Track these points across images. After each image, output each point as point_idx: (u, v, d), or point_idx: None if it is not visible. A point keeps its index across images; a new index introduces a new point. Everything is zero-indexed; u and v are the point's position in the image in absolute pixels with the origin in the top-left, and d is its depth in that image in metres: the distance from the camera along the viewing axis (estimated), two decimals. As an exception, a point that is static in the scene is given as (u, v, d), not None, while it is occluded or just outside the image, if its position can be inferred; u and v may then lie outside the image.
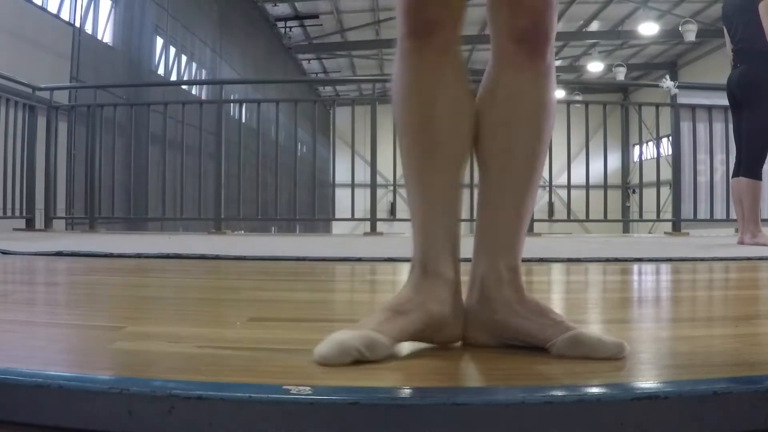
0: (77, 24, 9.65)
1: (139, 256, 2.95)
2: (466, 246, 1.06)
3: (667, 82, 5.79)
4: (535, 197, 1.06)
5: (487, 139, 1.04)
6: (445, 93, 1.02)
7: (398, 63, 1.03)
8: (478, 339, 1.00)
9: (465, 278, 1.05)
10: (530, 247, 3.63)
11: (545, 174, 6.67)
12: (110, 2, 10.75)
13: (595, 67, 19.08)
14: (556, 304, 1.73)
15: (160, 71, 12.50)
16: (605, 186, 5.98)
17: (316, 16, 17.65)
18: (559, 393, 0.72)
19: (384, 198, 15.00)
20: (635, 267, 2.77)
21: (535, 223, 5.60)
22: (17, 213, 5.44)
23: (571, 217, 6.52)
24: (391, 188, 6.45)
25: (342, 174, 6.31)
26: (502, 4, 1.00)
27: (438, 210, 1.03)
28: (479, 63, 21.29)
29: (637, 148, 20.33)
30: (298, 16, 17.78)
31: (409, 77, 1.02)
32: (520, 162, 1.02)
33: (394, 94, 1.04)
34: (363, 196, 6.13)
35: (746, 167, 3.86)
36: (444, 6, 0.99)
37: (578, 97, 16.77)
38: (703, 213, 5.72)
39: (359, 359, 0.89)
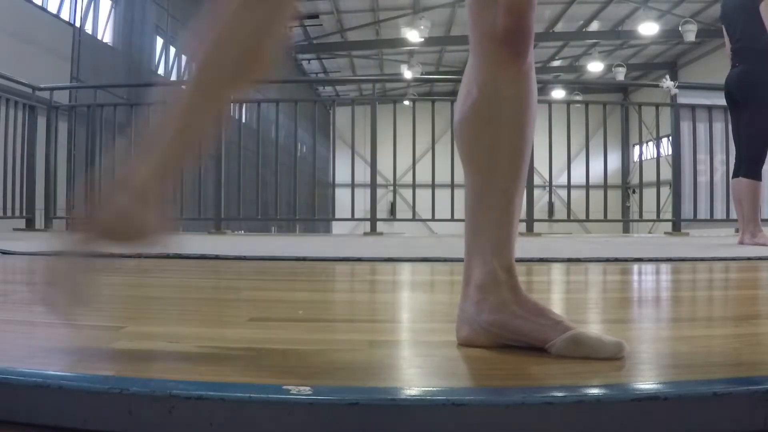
0: (77, 24, 9.65)
1: (139, 256, 2.95)
2: (460, 246, 1.06)
3: (667, 82, 5.79)
4: (522, 195, 1.06)
5: (471, 139, 1.04)
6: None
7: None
8: (477, 341, 1.00)
9: (459, 278, 1.05)
10: (530, 247, 3.63)
11: (545, 174, 6.68)
12: (110, 2, 10.75)
13: (595, 67, 19.08)
14: (556, 304, 1.73)
15: (160, 71, 12.51)
16: (605, 186, 5.99)
17: (316, 16, 17.65)
18: (559, 393, 0.72)
19: (384, 198, 15.00)
20: (635, 267, 2.77)
21: (535, 223, 5.60)
22: (17, 213, 5.44)
23: (571, 217, 6.52)
24: (391, 188, 6.44)
25: (342, 174, 6.30)
26: (483, 5, 1.00)
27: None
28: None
29: (637, 148, 20.34)
30: (298, 16, 17.77)
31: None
32: (506, 161, 1.02)
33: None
34: (363, 196, 6.12)
35: (746, 167, 3.86)
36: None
37: (578, 97, 16.78)
38: (703, 213, 5.73)
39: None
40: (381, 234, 5.65)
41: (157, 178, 0.95)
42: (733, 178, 4.03)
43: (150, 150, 0.96)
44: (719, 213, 5.68)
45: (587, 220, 6.02)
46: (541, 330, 0.94)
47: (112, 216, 0.95)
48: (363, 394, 0.72)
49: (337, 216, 7.42)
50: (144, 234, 0.97)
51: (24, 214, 5.54)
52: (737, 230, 4.27)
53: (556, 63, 20.51)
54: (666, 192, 6.15)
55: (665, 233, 5.83)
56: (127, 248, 0.98)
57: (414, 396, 0.74)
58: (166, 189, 0.98)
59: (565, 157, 5.54)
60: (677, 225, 5.75)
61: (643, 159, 8.05)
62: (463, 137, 1.05)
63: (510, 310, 0.97)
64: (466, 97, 1.04)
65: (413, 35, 16.45)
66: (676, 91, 5.72)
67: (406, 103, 8.25)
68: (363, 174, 6.31)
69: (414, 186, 5.88)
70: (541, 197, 13.69)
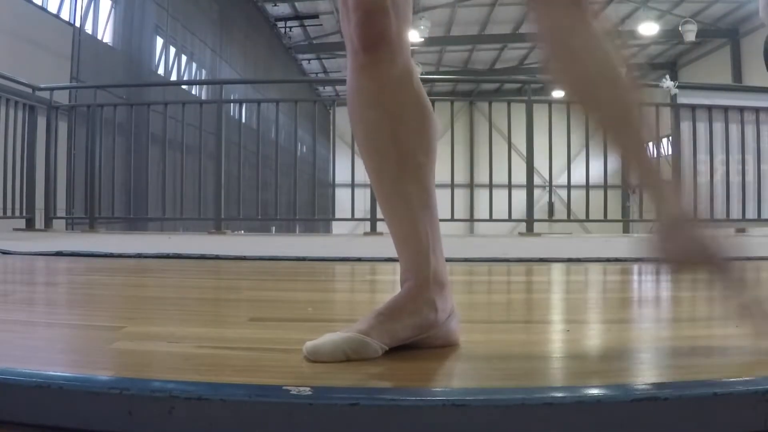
0: (77, 24, 9.65)
1: (139, 256, 2.95)
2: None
3: (667, 82, 5.79)
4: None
5: (591, 90, 1.03)
6: (408, 104, 1.04)
7: (355, 79, 1.04)
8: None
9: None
10: (530, 247, 3.62)
11: (545, 174, 6.62)
12: (110, 2, 10.75)
13: (595, 67, 19.04)
14: (557, 304, 1.73)
15: (160, 71, 12.51)
16: (605, 186, 5.98)
17: (316, 16, 17.65)
18: (559, 394, 0.72)
19: (384, 198, 14.97)
20: (635, 267, 2.77)
21: (535, 223, 5.60)
22: (17, 213, 5.44)
23: (571, 217, 6.52)
24: (391, 188, 6.39)
25: (342, 174, 6.29)
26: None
27: (424, 219, 1.05)
28: (480, 63, 21.26)
29: (637, 148, 20.31)
30: (298, 16, 17.77)
31: (371, 91, 1.03)
32: (624, 89, 1.02)
33: (355, 111, 1.05)
34: (363, 196, 6.12)
35: None
36: (394, 16, 1.00)
37: (578, 97, 16.73)
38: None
39: (347, 360, 0.91)
40: (381, 234, 5.64)
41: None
42: None
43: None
44: (720, 213, 5.68)
45: (587, 220, 6.01)
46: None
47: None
48: (363, 395, 0.72)
49: (337, 216, 7.41)
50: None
51: (24, 214, 5.54)
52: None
53: (556, 63, 20.45)
54: (666, 192, 6.14)
55: (665, 233, 5.82)
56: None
57: (414, 396, 0.74)
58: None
59: (565, 157, 5.54)
60: (677, 225, 5.74)
61: (643, 159, 8.03)
62: (582, 94, 1.04)
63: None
64: (559, 56, 1.02)
65: (413, 35, 16.44)
66: (676, 91, 5.72)
67: (406, 103, 8.22)
68: (363, 174, 6.26)
69: (414, 186, 5.86)
70: (541, 197, 13.71)
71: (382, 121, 1.03)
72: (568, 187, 5.68)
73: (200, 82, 14.38)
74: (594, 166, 5.68)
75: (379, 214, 6.36)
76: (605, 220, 6.18)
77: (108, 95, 7.61)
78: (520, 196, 5.58)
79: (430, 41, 17.24)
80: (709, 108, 5.67)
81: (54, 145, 5.71)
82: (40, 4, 8.85)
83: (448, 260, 1.09)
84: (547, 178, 6.21)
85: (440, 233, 1.07)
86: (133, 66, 10.95)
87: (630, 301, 1.83)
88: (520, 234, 5.40)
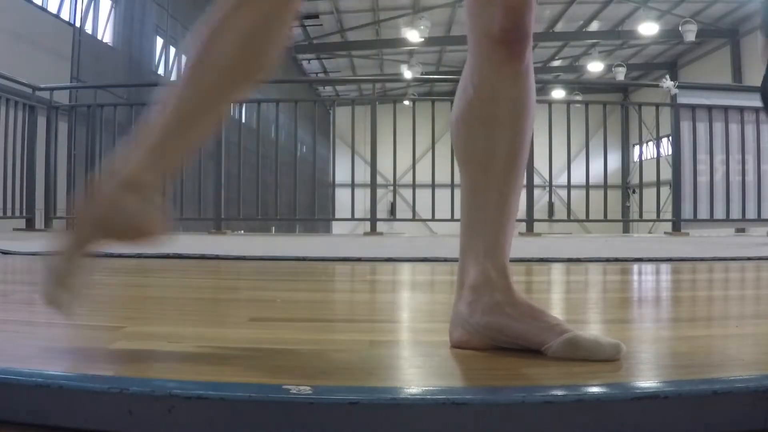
0: (77, 24, 9.65)
1: (139, 256, 2.95)
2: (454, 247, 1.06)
3: (667, 82, 5.79)
4: (519, 195, 1.05)
5: (467, 139, 1.03)
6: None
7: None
8: (470, 343, 0.98)
9: (453, 278, 1.05)
10: (530, 247, 3.63)
11: (545, 174, 6.66)
12: (110, 2, 10.75)
13: (595, 67, 19.07)
14: (557, 304, 1.73)
15: (160, 71, 12.51)
16: (605, 186, 5.98)
17: (316, 16, 17.66)
18: (559, 393, 0.72)
19: (384, 198, 14.99)
20: (635, 267, 2.77)
21: (535, 223, 5.60)
22: (17, 213, 5.44)
23: (571, 217, 6.52)
24: (391, 188, 6.44)
25: (342, 174, 6.30)
26: (482, 5, 1.00)
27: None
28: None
29: (637, 148, 20.33)
30: (298, 16, 17.78)
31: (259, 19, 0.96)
32: (502, 161, 1.01)
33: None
34: (363, 196, 6.12)
35: None
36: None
37: (578, 97, 16.77)
38: (703, 213, 5.73)
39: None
40: (381, 234, 5.65)
41: (152, 172, 0.95)
42: None
43: (147, 145, 0.95)
44: (719, 213, 5.68)
45: (587, 220, 6.02)
46: (537, 332, 0.93)
47: (106, 209, 0.95)
48: (363, 394, 0.72)
49: (337, 216, 7.42)
50: (140, 229, 0.96)
51: (24, 214, 5.54)
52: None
53: (556, 63, 20.50)
54: (666, 192, 6.15)
55: (665, 233, 5.83)
56: (124, 244, 0.98)
57: (414, 396, 0.73)
58: (161, 183, 0.97)
59: (565, 157, 5.54)
60: (677, 225, 5.74)
61: (643, 159, 8.05)
62: (459, 136, 1.04)
63: (504, 312, 0.96)
64: (463, 95, 1.04)
65: (413, 35, 16.44)
66: (676, 91, 5.72)
67: (406, 103, 8.25)
68: (363, 174, 6.31)
69: (414, 186, 5.88)
70: (541, 197, 13.71)
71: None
72: (568, 187, 5.68)
73: (200, 82, 14.36)
74: (594, 166, 5.69)
75: (380, 214, 6.34)
76: (605, 220, 6.18)
77: (108, 95, 7.61)
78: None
79: (430, 41, 17.24)
80: (709, 108, 5.68)
81: (54, 145, 5.72)
82: (40, 4, 8.86)
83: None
84: (547, 178, 6.22)
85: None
86: (133, 66, 10.96)
87: (630, 301, 1.83)
88: (520, 234, 5.40)
